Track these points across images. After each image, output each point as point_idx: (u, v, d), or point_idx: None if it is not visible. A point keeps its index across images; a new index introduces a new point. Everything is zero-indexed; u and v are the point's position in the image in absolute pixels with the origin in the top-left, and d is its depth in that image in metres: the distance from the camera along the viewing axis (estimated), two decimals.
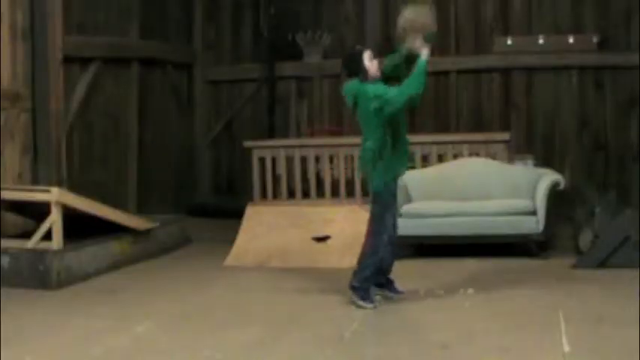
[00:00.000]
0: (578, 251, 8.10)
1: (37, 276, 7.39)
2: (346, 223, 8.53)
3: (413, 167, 9.25)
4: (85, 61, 10.27)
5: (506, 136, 9.60)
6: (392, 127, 6.37)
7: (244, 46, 12.60)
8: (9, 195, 7.91)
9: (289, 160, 9.50)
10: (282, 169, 9.51)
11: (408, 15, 6.38)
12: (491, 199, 8.49)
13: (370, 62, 6.41)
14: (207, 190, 12.66)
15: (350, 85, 6.48)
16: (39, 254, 7.44)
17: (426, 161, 9.21)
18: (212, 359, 5.23)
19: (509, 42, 11.43)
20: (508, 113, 11.57)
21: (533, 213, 8.20)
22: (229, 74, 12.62)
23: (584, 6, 11.29)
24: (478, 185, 8.64)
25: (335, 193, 9.32)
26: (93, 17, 10.49)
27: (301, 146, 9.61)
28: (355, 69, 6.44)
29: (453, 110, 11.66)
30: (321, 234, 8.52)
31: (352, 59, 6.51)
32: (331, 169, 9.59)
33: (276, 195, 9.50)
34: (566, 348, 5.20)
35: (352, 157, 9.46)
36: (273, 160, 9.52)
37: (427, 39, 6.29)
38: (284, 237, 8.57)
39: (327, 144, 9.66)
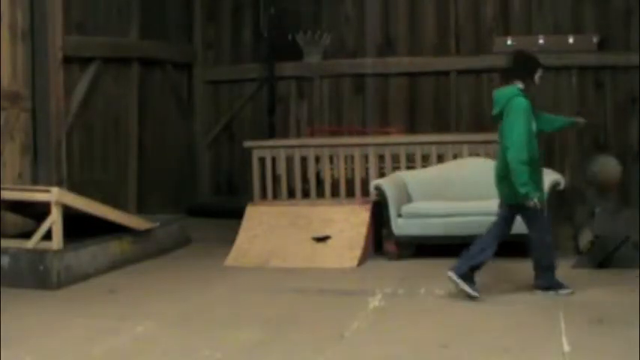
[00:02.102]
0: (578, 251, 8.10)
1: (37, 276, 7.39)
2: (346, 223, 8.53)
3: (412, 167, 9.27)
4: (85, 61, 10.27)
5: None
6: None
7: (244, 46, 12.59)
8: (9, 195, 7.90)
9: (289, 160, 9.49)
10: (282, 169, 9.50)
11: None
12: (491, 199, 8.45)
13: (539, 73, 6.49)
14: (207, 190, 12.65)
15: (504, 92, 6.44)
16: (39, 254, 7.43)
17: (426, 161, 9.21)
18: (212, 359, 5.23)
19: (509, 42, 11.41)
20: None
21: None
22: (229, 74, 12.60)
23: (584, 6, 11.28)
24: (478, 185, 8.61)
25: (335, 193, 9.31)
26: (93, 17, 10.49)
27: (301, 146, 9.60)
28: (523, 72, 6.44)
29: (453, 110, 11.65)
30: (321, 234, 8.52)
31: (529, 61, 6.50)
32: (331, 169, 9.59)
33: (276, 195, 9.49)
34: (566, 348, 5.20)
35: (352, 157, 9.47)
36: (273, 160, 9.51)
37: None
38: (284, 237, 8.56)
39: (327, 144, 9.65)
